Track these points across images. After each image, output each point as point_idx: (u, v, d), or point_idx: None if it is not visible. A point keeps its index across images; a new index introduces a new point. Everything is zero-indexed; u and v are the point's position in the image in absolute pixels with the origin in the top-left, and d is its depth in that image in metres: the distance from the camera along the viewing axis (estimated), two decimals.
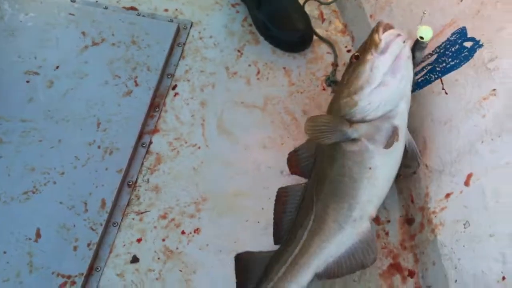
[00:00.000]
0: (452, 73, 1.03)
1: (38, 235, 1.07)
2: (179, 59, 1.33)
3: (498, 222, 0.90)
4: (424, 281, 1.05)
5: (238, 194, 1.15)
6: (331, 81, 1.30)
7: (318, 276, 1.01)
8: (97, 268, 1.06)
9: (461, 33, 1.02)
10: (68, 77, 1.26)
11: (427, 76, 1.10)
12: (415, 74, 1.11)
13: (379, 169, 1.01)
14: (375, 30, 1.02)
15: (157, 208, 1.13)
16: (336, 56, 1.34)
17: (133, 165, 1.18)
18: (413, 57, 1.02)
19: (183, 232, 1.10)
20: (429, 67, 1.09)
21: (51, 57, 1.30)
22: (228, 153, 1.20)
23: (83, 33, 1.33)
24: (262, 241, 1.08)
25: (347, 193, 1.01)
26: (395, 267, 1.07)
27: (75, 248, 1.06)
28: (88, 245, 1.07)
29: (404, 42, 1.00)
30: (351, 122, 1.00)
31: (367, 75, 0.99)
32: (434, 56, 1.08)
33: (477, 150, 0.96)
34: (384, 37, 1.00)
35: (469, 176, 0.97)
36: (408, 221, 1.13)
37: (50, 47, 1.31)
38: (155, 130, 1.22)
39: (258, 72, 1.32)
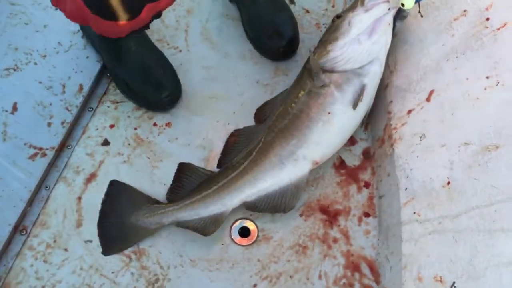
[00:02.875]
0: None
1: (14, 108, 1.11)
2: None
3: (450, 133, 0.95)
4: (378, 192, 1.11)
5: (212, 97, 1.19)
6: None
7: (246, 205, 1.05)
8: (69, 146, 1.11)
9: None
10: None
11: None
12: None
13: (336, 117, 1.05)
14: None
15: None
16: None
17: None
18: (394, 26, 1.07)
19: (155, 124, 1.15)
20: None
21: None
22: (208, 58, 1.24)
23: None
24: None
25: (300, 129, 1.05)
26: (353, 178, 1.12)
27: (49, 124, 1.10)
28: (62, 123, 1.11)
29: (389, 9, 1.04)
30: (323, 70, 1.05)
31: (344, 29, 1.05)
32: None
33: (442, 68, 1.01)
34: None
35: (431, 92, 1.02)
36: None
37: None
38: None
39: None
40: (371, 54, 1.05)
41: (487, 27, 0.92)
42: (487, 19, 0.92)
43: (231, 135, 1.13)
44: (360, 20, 1.05)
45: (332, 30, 1.08)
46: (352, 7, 1.08)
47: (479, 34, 0.93)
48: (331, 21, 1.12)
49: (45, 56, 1.17)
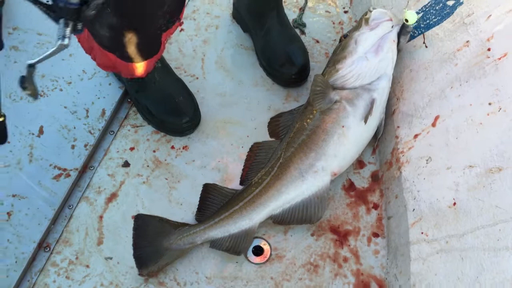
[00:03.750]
0: (434, 28, 1.14)
1: (41, 131, 1.17)
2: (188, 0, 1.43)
3: (455, 156, 1.00)
4: (386, 213, 1.15)
5: (227, 122, 1.25)
6: (298, 24, 1.41)
7: (272, 218, 1.10)
8: (91, 167, 1.16)
9: None
10: None
11: (411, 33, 1.20)
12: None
13: (350, 130, 1.12)
14: (368, 11, 1.16)
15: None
16: (305, 2, 1.44)
17: None
18: (398, 42, 1.16)
19: (172, 147, 1.20)
20: (414, 24, 1.19)
21: None
22: (223, 85, 1.30)
23: None
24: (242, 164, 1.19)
25: (317, 143, 1.11)
26: (362, 199, 1.16)
27: (73, 146, 1.16)
28: (85, 145, 1.17)
29: (392, 26, 1.14)
30: (333, 88, 1.13)
31: (351, 48, 1.13)
32: (420, 15, 1.18)
33: (446, 95, 1.06)
34: (374, 13, 1.14)
35: (437, 118, 1.07)
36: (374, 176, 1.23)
37: None
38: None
39: None
40: (378, 70, 1.13)
41: (489, 57, 0.98)
42: (489, 49, 0.98)
43: (251, 149, 1.18)
44: (366, 39, 1.13)
45: (340, 49, 1.16)
46: (357, 27, 1.16)
47: (481, 63, 0.99)
48: (338, 41, 1.20)
49: (70, 82, 1.24)
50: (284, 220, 1.10)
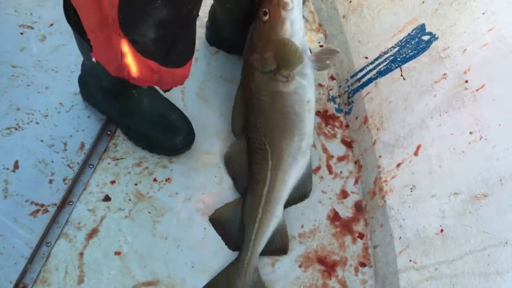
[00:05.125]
0: (410, 62, 1.19)
1: (16, 166, 1.12)
2: None
3: (440, 184, 1.03)
4: (372, 242, 1.16)
5: (209, 153, 1.24)
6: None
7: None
8: (70, 202, 1.12)
9: (421, 29, 1.18)
10: (61, 34, 1.34)
11: (388, 66, 1.24)
12: (379, 64, 1.28)
13: (312, 100, 1.18)
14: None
15: (133, 157, 1.20)
16: None
17: None
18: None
19: (155, 180, 1.18)
20: (391, 58, 1.24)
21: (47, 15, 1.37)
22: (204, 117, 1.29)
23: None
24: (227, 194, 1.19)
25: (295, 126, 1.16)
26: (347, 229, 1.17)
27: (50, 181, 1.12)
28: (64, 180, 1.12)
29: None
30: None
31: (290, 30, 1.15)
32: (396, 49, 1.23)
33: (427, 125, 1.10)
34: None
35: (419, 147, 1.10)
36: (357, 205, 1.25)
37: (47, 7, 1.39)
38: None
39: None
40: (303, 29, 1.18)
41: (467, 88, 1.02)
42: (466, 81, 1.03)
43: (225, 158, 1.23)
44: (295, 15, 1.15)
45: (278, 30, 1.15)
46: (276, 5, 1.15)
47: (459, 95, 1.03)
48: (257, 19, 1.19)
49: (46, 115, 1.20)
50: (289, 202, 1.16)
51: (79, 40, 0.99)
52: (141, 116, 1.17)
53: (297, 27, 1.16)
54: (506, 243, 0.86)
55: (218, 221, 1.15)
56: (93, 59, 0.94)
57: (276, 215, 1.11)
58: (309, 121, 1.16)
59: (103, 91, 1.16)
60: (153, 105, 1.18)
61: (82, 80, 1.22)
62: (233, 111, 1.23)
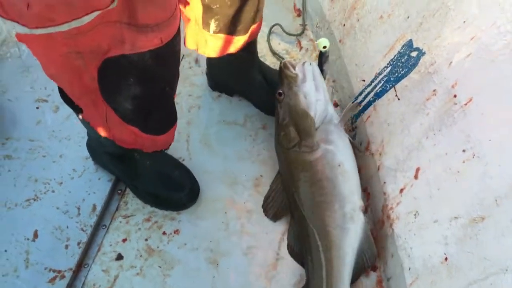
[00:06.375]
0: (403, 80, 1.14)
1: (35, 235, 1.20)
2: None
3: (440, 208, 0.97)
4: (385, 274, 1.11)
5: (215, 200, 1.26)
6: None
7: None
8: (85, 265, 1.17)
9: (409, 45, 1.13)
10: None
11: (383, 87, 1.20)
12: (375, 86, 1.24)
13: (345, 162, 1.14)
14: (285, 68, 1.22)
15: (142, 213, 1.24)
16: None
17: None
18: (322, 71, 1.23)
19: (164, 233, 1.21)
20: (385, 78, 1.20)
21: None
22: (208, 164, 1.31)
23: None
24: (234, 239, 1.19)
25: (331, 193, 1.11)
26: None
27: (66, 246, 1.18)
28: (78, 243, 1.18)
29: (310, 64, 1.22)
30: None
31: (304, 101, 1.18)
32: (389, 68, 1.19)
33: (423, 145, 1.05)
34: (298, 69, 1.20)
35: (418, 169, 1.05)
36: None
37: None
38: None
39: None
40: (326, 100, 1.20)
41: (456, 103, 0.97)
42: (455, 96, 0.97)
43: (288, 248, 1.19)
44: (307, 88, 1.19)
45: (293, 109, 1.18)
46: (289, 83, 1.20)
47: (450, 111, 0.98)
48: (276, 100, 1.23)
49: (61, 183, 1.28)
50: (357, 276, 1.09)
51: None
52: (145, 177, 1.22)
53: (311, 96, 1.18)
54: (507, 270, 0.79)
55: None
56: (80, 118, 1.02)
57: None
58: (345, 184, 1.12)
59: (109, 155, 1.22)
60: (155, 164, 1.23)
61: (89, 146, 1.29)
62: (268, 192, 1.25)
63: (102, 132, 1.01)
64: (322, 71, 1.23)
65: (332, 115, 1.19)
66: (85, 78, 0.85)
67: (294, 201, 1.17)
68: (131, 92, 0.89)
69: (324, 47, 1.19)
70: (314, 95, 1.18)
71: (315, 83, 1.19)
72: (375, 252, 1.09)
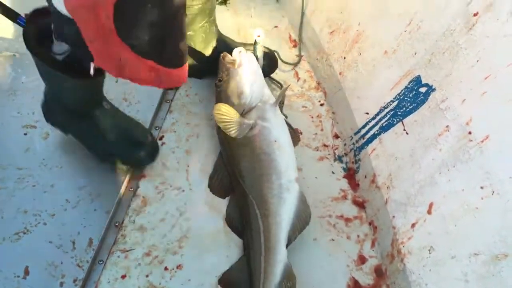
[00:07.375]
0: (411, 115, 1.15)
1: (26, 272, 1.12)
2: (167, 113, 1.44)
3: (458, 244, 0.97)
4: None
5: (219, 232, 1.21)
6: None
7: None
8: None
9: (417, 81, 1.15)
10: None
11: (390, 120, 1.21)
12: (380, 119, 1.24)
13: (281, 138, 1.25)
14: (223, 57, 1.37)
15: (142, 246, 1.18)
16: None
17: (121, 207, 1.25)
18: (257, 58, 1.40)
19: (166, 268, 1.15)
20: (391, 112, 1.21)
21: None
22: (209, 194, 1.27)
23: None
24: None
25: (269, 166, 1.21)
26: None
27: (61, 284, 1.10)
28: (74, 281, 1.11)
29: (246, 52, 1.36)
30: (243, 115, 1.27)
31: (241, 84, 1.30)
32: (395, 103, 1.20)
33: (436, 181, 1.05)
34: (234, 55, 1.35)
35: (431, 205, 1.05)
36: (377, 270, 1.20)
37: None
38: (142, 176, 1.30)
39: None
40: (261, 82, 1.33)
41: (471, 140, 0.98)
42: (470, 133, 0.99)
43: (226, 220, 1.25)
44: (244, 71, 1.31)
45: (228, 90, 1.31)
46: (226, 69, 1.33)
47: (465, 147, 0.99)
48: (215, 87, 1.35)
49: (53, 215, 1.20)
50: (291, 239, 1.16)
51: (43, 67, 1.09)
52: (106, 136, 1.24)
53: (247, 79, 1.29)
54: None
55: (227, 283, 1.14)
56: (91, 69, 1.08)
57: (279, 261, 1.11)
58: (281, 157, 1.21)
59: (68, 114, 1.23)
60: (116, 124, 1.26)
61: (45, 105, 1.27)
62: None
63: (117, 74, 1.01)
64: (257, 58, 1.39)
65: (269, 97, 1.31)
66: (101, 15, 0.87)
67: (235, 176, 1.25)
68: (148, 19, 0.90)
69: (258, 36, 1.39)
70: (250, 77, 1.30)
71: (250, 68, 1.32)
72: (310, 212, 1.19)
